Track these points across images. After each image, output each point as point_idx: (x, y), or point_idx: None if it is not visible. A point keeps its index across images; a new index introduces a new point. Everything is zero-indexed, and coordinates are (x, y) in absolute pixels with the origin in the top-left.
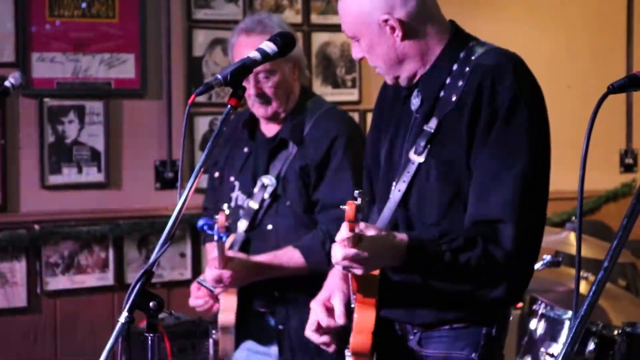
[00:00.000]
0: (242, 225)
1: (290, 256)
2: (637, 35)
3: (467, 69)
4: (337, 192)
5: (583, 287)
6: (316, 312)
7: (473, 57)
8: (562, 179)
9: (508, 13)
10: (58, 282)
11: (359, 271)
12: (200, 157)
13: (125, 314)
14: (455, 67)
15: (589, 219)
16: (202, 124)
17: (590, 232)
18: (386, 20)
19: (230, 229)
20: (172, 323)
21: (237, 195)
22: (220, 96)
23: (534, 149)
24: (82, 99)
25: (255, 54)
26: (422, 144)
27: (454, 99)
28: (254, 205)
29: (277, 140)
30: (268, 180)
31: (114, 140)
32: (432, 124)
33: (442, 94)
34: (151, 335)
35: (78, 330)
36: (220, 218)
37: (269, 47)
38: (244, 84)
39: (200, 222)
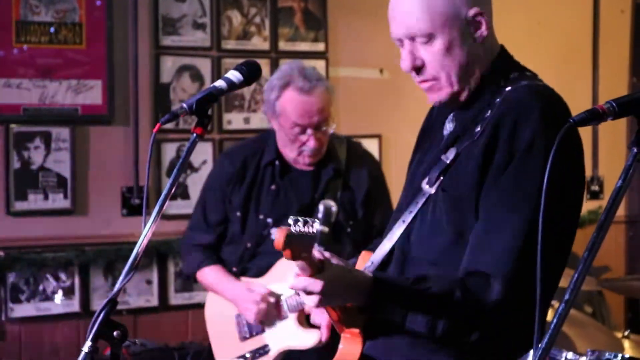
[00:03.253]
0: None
1: None
2: (603, 63)
3: (498, 99)
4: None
5: (549, 314)
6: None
7: (507, 88)
8: None
9: None
10: (23, 308)
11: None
12: (166, 184)
13: (88, 343)
14: (491, 93)
15: None
16: (169, 151)
17: None
18: (475, 16)
19: None
20: (138, 350)
21: (270, 231)
22: (187, 123)
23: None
24: (49, 125)
25: (221, 83)
26: (435, 174)
27: (477, 129)
28: (325, 230)
29: (330, 170)
30: (330, 206)
31: (81, 166)
32: (450, 155)
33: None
34: None
35: (43, 358)
36: None
37: (235, 76)
38: (298, 136)
39: None
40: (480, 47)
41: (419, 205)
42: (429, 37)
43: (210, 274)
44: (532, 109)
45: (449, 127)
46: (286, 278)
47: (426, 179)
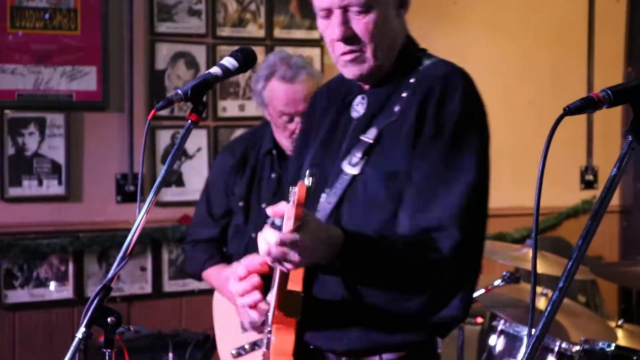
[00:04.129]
0: None
1: None
2: (598, 52)
3: (413, 80)
4: None
5: (542, 303)
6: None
7: (420, 67)
8: (522, 195)
9: (470, 29)
10: (17, 295)
11: (291, 265)
12: (161, 171)
13: (82, 329)
14: (403, 75)
15: (550, 236)
16: (163, 137)
17: (551, 248)
18: None
19: None
20: (132, 337)
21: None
22: (182, 110)
23: (481, 163)
24: (43, 111)
25: (216, 70)
26: (358, 155)
27: (396, 109)
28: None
29: None
30: None
31: (75, 152)
32: (371, 135)
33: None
34: (109, 350)
35: (37, 344)
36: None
37: (230, 62)
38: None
39: None
40: (400, 24)
41: (343, 186)
42: (366, 7)
43: (213, 276)
44: (456, 81)
45: (360, 109)
46: None
47: (346, 160)
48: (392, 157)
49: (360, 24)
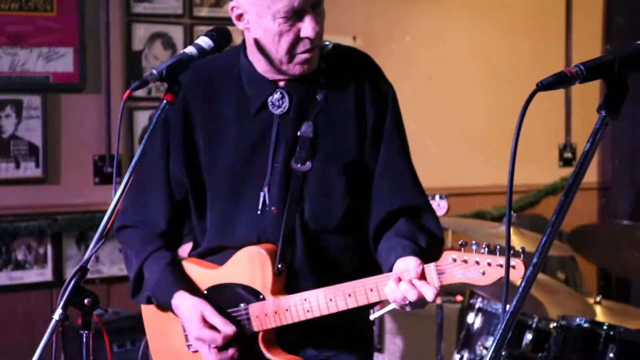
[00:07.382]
0: None
1: None
2: (576, 30)
3: (323, 64)
4: None
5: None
6: (205, 336)
7: (323, 52)
8: (501, 173)
9: (449, 9)
10: None
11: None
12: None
13: (59, 311)
14: None
15: (529, 213)
16: (141, 118)
17: (530, 226)
18: None
19: None
20: (112, 318)
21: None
22: (160, 90)
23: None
24: (20, 93)
25: (191, 50)
26: (304, 151)
27: (319, 97)
28: None
29: None
30: None
31: (52, 134)
32: (307, 129)
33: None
34: (86, 332)
35: (16, 327)
36: None
37: (206, 42)
38: None
39: None
40: None
41: (299, 184)
42: (321, 3)
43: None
44: (369, 60)
45: (281, 104)
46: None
47: (293, 159)
48: (342, 148)
49: (321, 21)
